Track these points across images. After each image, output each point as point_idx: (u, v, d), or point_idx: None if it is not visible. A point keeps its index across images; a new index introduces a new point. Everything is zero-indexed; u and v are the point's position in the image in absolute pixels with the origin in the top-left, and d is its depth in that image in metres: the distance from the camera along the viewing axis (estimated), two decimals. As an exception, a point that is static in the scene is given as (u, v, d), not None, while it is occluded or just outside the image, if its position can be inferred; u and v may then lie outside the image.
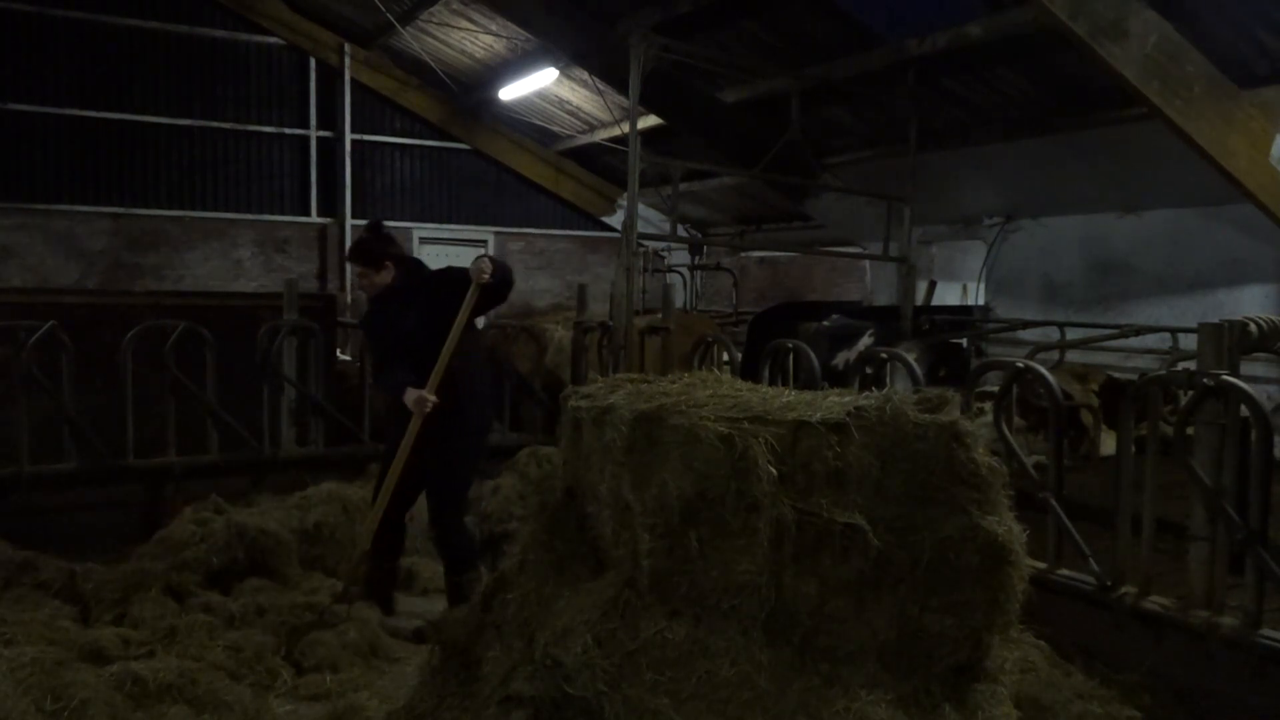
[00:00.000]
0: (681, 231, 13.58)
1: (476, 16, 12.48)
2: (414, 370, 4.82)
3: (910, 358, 5.22)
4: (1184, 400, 3.97)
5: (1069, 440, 6.91)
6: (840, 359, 8.17)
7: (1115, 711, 3.50)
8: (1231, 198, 7.16)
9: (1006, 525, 2.74)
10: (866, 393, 3.07)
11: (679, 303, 13.14)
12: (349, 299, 14.52)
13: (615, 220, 16.06)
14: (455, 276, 4.93)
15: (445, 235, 15.88)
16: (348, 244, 14.93)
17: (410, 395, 4.73)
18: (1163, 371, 5.73)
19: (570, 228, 16.83)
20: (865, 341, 8.29)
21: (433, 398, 4.70)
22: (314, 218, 14.88)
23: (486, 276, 4.70)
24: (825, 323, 8.71)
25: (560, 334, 9.39)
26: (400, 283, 4.97)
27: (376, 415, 7.36)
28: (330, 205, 14.93)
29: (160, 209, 13.80)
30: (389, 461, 4.92)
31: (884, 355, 5.28)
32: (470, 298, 4.74)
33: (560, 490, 3.26)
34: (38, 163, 13.20)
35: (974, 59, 8.59)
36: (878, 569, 2.71)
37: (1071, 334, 8.96)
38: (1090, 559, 4.07)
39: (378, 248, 4.96)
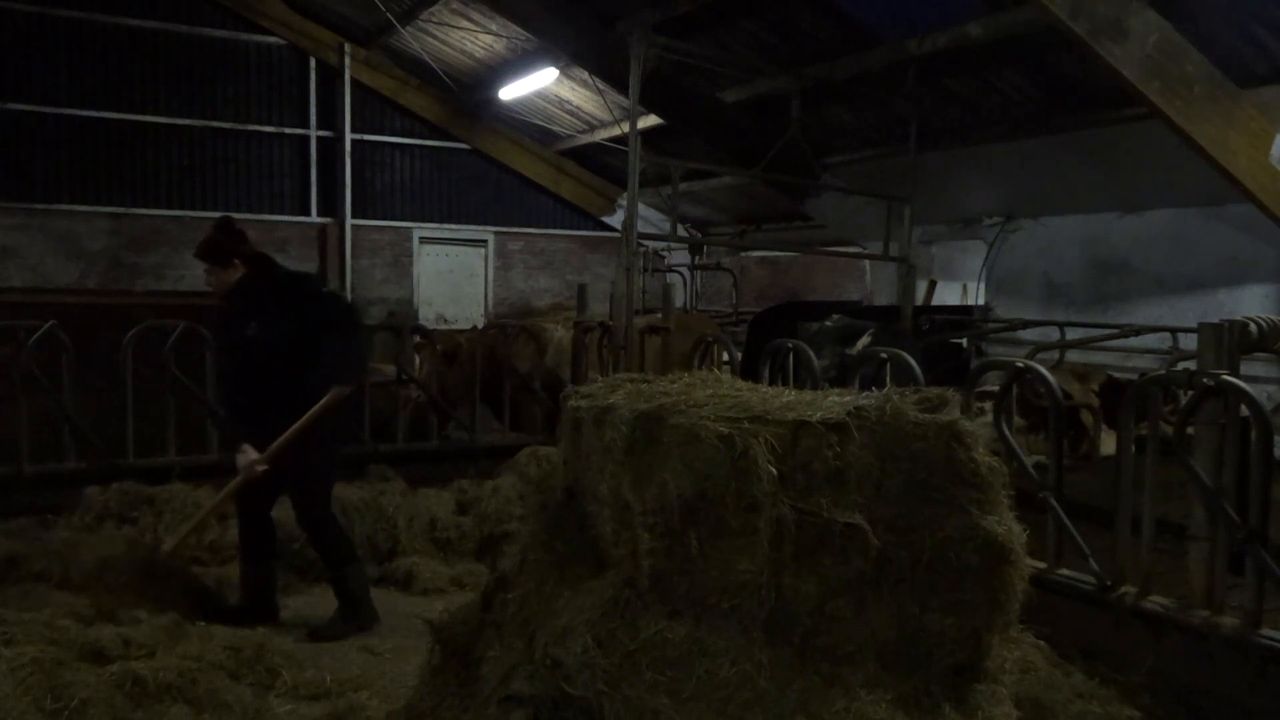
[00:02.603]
0: (681, 231, 13.58)
1: (476, 16, 12.49)
2: (249, 389, 4.70)
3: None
4: (1184, 400, 3.97)
5: (1069, 440, 6.91)
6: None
7: (1115, 711, 3.50)
8: (1231, 198, 7.16)
9: (1006, 525, 2.74)
10: (866, 392, 3.07)
11: (679, 303, 13.14)
12: (348, 299, 14.52)
13: (615, 220, 16.07)
14: (304, 289, 4.76)
15: (445, 235, 15.89)
16: (348, 244, 14.96)
17: (241, 458, 4.63)
18: (1163, 371, 5.73)
19: (570, 227, 16.83)
20: (864, 341, 8.28)
21: (263, 467, 4.59)
22: (314, 218, 14.89)
23: (341, 400, 4.60)
24: (828, 322, 8.71)
25: (560, 334, 9.39)
26: (248, 285, 4.74)
27: (376, 415, 7.37)
28: (330, 205, 14.93)
29: (160, 209, 13.82)
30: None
31: (884, 355, 5.27)
32: (321, 406, 4.58)
33: (560, 490, 3.26)
34: (38, 163, 13.21)
35: (974, 59, 8.60)
36: (878, 569, 2.71)
37: (1071, 334, 8.97)
38: (1090, 559, 4.07)
39: (226, 244, 4.74)
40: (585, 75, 12.38)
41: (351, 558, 5.02)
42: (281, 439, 4.61)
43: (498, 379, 8.08)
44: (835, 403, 2.88)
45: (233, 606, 4.99)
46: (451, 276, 16.03)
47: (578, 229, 16.89)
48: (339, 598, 4.95)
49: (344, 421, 5.28)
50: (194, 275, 13.98)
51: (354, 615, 4.90)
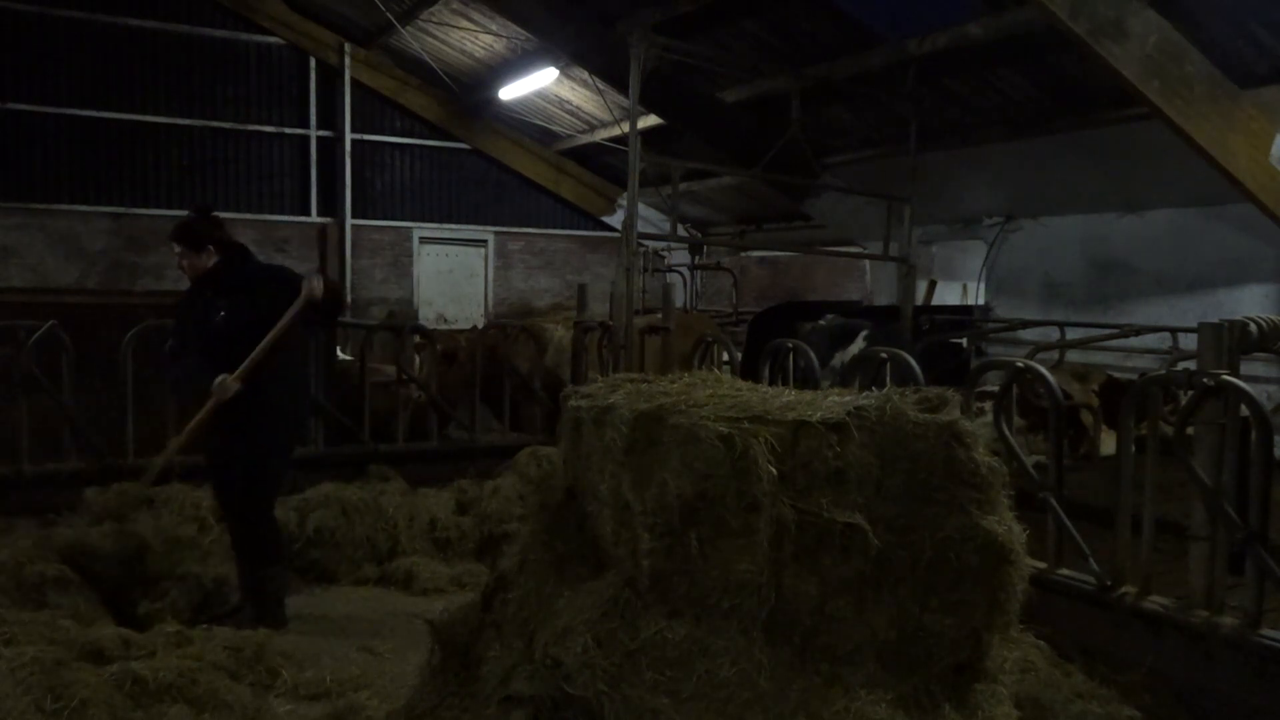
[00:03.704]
0: (681, 231, 13.58)
1: (476, 16, 12.48)
2: (212, 363, 4.67)
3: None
4: (1184, 400, 3.97)
5: (1069, 440, 6.91)
6: (837, 359, 8.16)
7: (1115, 711, 3.50)
8: (1231, 198, 7.16)
9: (1006, 525, 2.74)
10: (866, 392, 3.07)
11: (679, 303, 13.15)
12: (348, 298, 14.52)
13: (615, 220, 16.06)
14: (280, 278, 4.82)
15: (445, 235, 15.89)
16: (348, 244, 14.95)
17: (217, 379, 4.61)
18: (1163, 371, 5.73)
19: (570, 227, 16.83)
20: (860, 342, 8.28)
21: (237, 385, 4.59)
22: (314, 218, 14.88)
23: (318, 296, 4.64)
24: (821, 322, 8.71)
25: (560, 334, 9.40)
26: (222, 272, 4.78)
27: (376, 415, 7.37)
28: (330, 205, 14.92)
29: (160, 209, 13.79)
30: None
31: (884, 355, 5.27)
32: (296, 308, 4.64)
33: (560, 490, 3.25)
34: (38, 163, 13.20)
35: (974, 59, 8.59)
36: (878, 568, 2.71)
37: (1071, 334, 8.96)
38: (1090, 559, 4.07)
39: (202, 230, 4.77)
40: (585, 75, 12.37)
41: (278, 559, 4.94)
42: (253, 355, 4.62)
43: (498, 379, 8.08)
44: (835, 403, 2.88)
45: (233, 606, 5.00)
46: (451, 276, 16.03)
47: (578, 229, 16.88)
48: (252, 597, 4.84)
49: (300, 419, 5.32)
50: (194, 275, 14.04)
51: (264, 615, 4.78)
